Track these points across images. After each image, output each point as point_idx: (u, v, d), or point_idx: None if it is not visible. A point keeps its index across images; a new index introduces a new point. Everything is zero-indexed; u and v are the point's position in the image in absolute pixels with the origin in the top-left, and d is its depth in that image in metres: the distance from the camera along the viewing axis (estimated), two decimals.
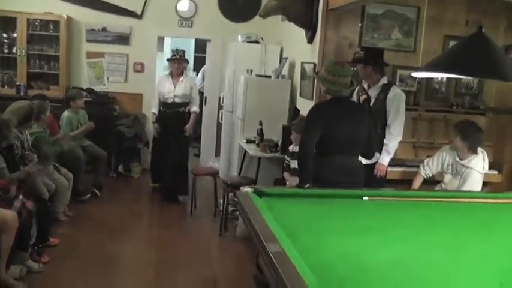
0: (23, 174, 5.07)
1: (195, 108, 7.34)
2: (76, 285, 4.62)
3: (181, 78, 7.21)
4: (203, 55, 10.41)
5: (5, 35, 8.35)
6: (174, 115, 7.19)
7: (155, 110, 7.34)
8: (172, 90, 7.16)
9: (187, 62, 7.58)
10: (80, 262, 5.07)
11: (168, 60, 7.46)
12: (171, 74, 7.30)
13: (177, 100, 7.20)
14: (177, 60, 7.19)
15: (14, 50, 8.31)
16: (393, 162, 5.26)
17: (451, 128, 5.19)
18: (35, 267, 4.73)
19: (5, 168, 4.80)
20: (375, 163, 4.97)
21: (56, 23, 8.31)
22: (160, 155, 7.40)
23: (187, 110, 7.30)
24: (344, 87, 4.20)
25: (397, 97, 5.03)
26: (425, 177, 5.20)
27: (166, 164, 7.23)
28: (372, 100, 5.05)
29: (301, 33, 6.86)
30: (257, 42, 8.02)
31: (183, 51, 7.35)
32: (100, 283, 4.67)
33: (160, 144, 7.40)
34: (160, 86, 7.30)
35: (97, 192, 7.23)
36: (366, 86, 5.17)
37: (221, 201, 6.38)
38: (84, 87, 8.49)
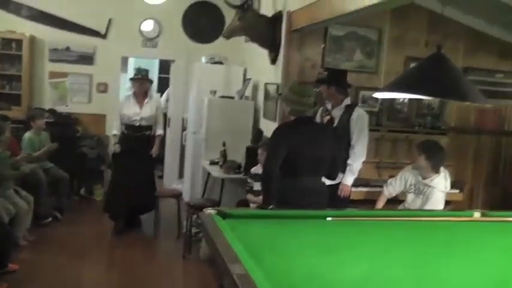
0: None
1: (160, 131, 7.00)
2: None
3: (146, 100, 6.84)
4: (167, 76, 10.40)
5: None
6: (139, 139, 6.80)
7: (117, 132, 6.93)
8: (138, 112, 6.78)
9: (151, 82, 7.30)
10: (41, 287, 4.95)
11: (131, 79, 7.08)
12: (134, 94, 6.89)
13: (143, 123, 6.81)
14: (140, 79, 6.83)
15: None
16: (357, 182, 5.27)
17: (414, 148, 5.26)
18: None
19: None
20: (338, 183, 4.98)
21: (19, 42, 8.24)
22: (123, 180, 6.81)
23: (152, 133, 6.95)
24: (308, 107, 4.21)
25: (360, 118, 5.07)
26: (389, 196, 5.24)
27: (130, 188, 6.73)
28: (336, 121, 5.09)
29: (264, 54, 6.88)
30: (221, 63, 8.03)
31: (146, 71, 7.07)
32: None
33: (123, 169, 6.86)
34: (124, 107, 6.83)
35: (58, 215, 7.10)
36: (329, 107, 5.21)
37: (184, 223, 6.33)
38: (47, 108, 8.37)
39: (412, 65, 5.90)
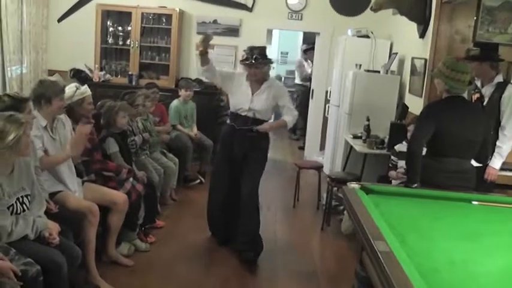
0: None
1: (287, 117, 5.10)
2: (179, 267, 4.75)
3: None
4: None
5: (120, 28, 8.76)
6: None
7: None
8: (249, 100, 5.05)
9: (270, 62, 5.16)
10: (183, 246, 5.21)
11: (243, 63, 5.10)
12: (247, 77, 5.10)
13: (250, 114, 5.06)
14: (254, 64, 4.95)
15: (127, 42, 8.70)
16: (502, 166, 4.92)
17: None
18: (142, 247, 4.96)
19: (118, 152, 5.01)
20: (485, 166, 4.70)
21: (169, 17, 8.60)
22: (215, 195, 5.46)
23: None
24: (464, 85, 4.02)
25: None
26: None
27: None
28: (486, 99, 4.81)
29: (412, 27, 6.70)
30: (367, 36, 7.88)
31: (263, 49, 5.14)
32: (200, 268, 4.80)
33: (217, 177, 5.47)
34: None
35: (202, 179, 7.41)
36: (478, 84, 4.93)
37: (324, 195, 6.34)
38: (193, 78, 8.68)
39: None
